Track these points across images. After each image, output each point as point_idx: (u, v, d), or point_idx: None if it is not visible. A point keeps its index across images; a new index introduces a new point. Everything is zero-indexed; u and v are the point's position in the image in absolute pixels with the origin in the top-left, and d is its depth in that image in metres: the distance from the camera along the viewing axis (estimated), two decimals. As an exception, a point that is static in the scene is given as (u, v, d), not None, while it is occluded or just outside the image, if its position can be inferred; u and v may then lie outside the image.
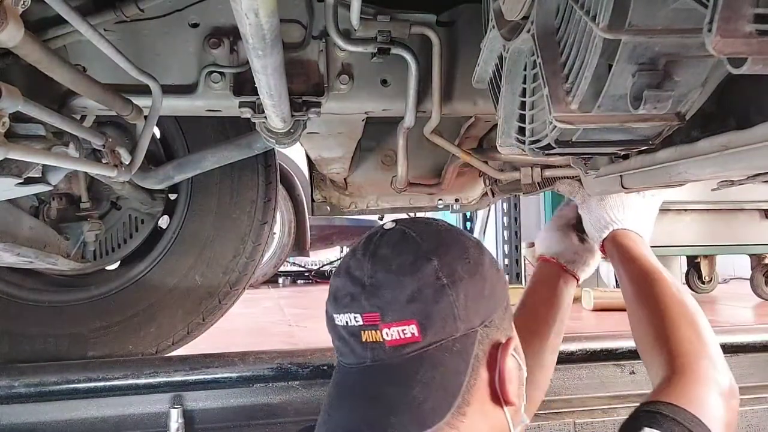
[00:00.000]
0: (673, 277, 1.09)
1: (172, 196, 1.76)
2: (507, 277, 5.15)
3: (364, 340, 0.76)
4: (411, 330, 0.73)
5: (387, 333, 0.74)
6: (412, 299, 0.74)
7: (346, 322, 0.77)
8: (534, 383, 1.14)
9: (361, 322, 0.76)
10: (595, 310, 3.77)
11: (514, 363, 0.80)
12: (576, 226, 1.34)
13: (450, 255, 0.78)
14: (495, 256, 0.89)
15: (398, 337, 0.74)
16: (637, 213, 1.19)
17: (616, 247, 1.17)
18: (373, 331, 0.75)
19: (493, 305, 0.79)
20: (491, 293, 0.79)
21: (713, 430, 0.83)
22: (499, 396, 0.78)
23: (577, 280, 1.31)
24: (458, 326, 0.75)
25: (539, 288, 1.30)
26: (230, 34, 1.07)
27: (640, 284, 1.09)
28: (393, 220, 0.84)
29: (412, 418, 0.71)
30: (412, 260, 0.76)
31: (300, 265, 6.42)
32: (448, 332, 0.74)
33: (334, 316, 0.78)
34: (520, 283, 5.08)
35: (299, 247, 5.02)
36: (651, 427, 0.81)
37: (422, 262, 0.76)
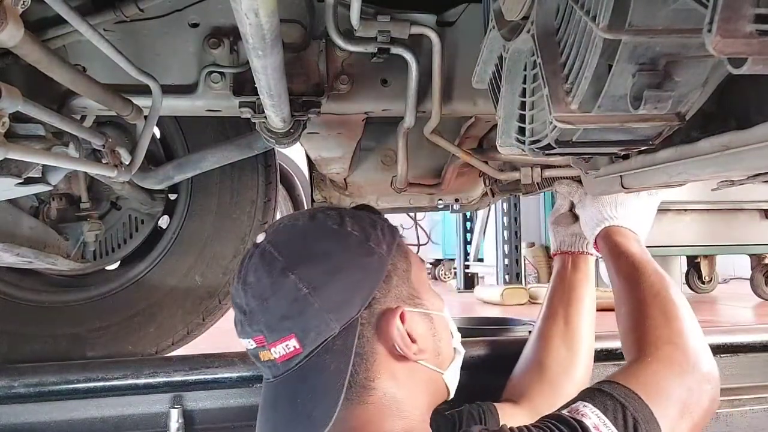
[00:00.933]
0: (658, 270, 1.09)
1: (172, 196, 1.76)
2: (506, 275, 5.15)
3: (262, 359, 0.84)
4: (293, 344, 0.80)
5: (274, 351, 0.81)
6: (284, 317, 0.80)
7: (246, 347, 0.85)
8: (570, 378, 1.16)
9: (255, 345, 0.83)
10: (596, 310, 3.77)
11: (412, 319, 0.86)
12: (570, 213, 1.39)
13: (308, 262, 0.82)
14: (400, 238, 0.92)
15: (284, 353, 0.81)
16: (632, 210, 1.20)
17: (607, 244, 1.18)
18: (266, 351, 0.82)
19: (370, 285, 0.84)
20: (364, 277, 0.84)
21: (653, 405, 0.83)
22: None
23: (590, 255, 1.35)
24: (333, 326, 0.81)
25: (555, 283, 1.35)
26: (230, 34, 1.07)
27: (623, 279, 1.11)
28: (264, 231, 0.89)
29: (303, 430, 0.78)
30: (272, 282, 0.81)
31: (300, 265, 6.42)
32: (326, 334, 0.80)
33: (239, 341, 0.86)
34: (521, 282, 5.08)
35: (299, 247, 5.02)
36: (584, 401, 0.84)
37: (281, 280, 0.81)
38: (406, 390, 0.85)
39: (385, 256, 0.87)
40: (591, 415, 0.82)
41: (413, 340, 0.86)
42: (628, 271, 1.11)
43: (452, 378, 0.94)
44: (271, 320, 0.81)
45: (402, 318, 0.85)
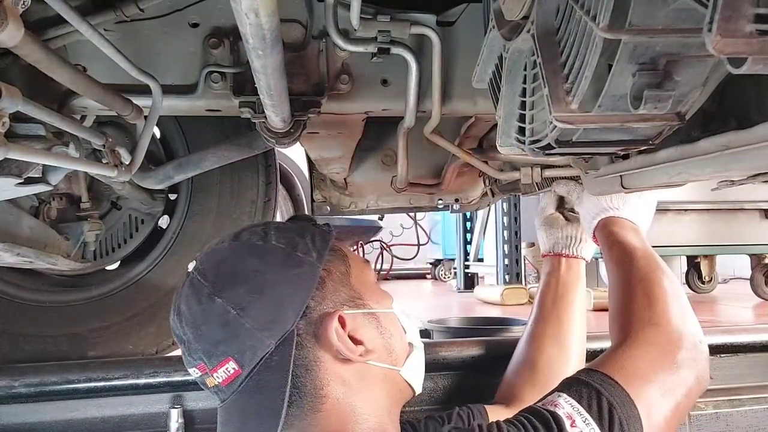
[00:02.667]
0: (649, 256, 1.08)
1: (172, 196, 1.76)
2: (498, 274, 5.16)
3: (209, 386, 0.84)
4: (232, 366, 0.81)
5: (217, 376, 0.82)
6: (218, 342, 0.81)
7: (193, 376, 0.86)
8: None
9: (199, 373, 0.84)
10: (595, 310, 3.77)
11: (355, 321, 0.86)
12: (560, 212, 1.39)
13: (234, 284, 0.82)
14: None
15: (226, 376, 0.81)
16: (631, 201, 1.20)
17: (604, 234, 1.18)
18: (210, 378, 0.83)
19: (302, 295, 0.83)
20: (294, 289, 0.83)
21: (630, 388, 0.84)
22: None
23: (584, 260, 1.33)
24: (268, 342, 0.80)
25: (547, 284, 1.33)
26: (230, 34, 1.07)
27: (615, 267, 1.10)
28: (195, 258, 0.89)
29: None
30: (202, 309, 0.82)
31: (300, 265, 6.40)
32: (262, 352, 0.80)
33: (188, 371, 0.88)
34: (520, 282, 5.08)
35: (299, 247, 5.01)
36: (560, 392, 0.85)
37: (209, 306, 0.82)
38: (361, 393, 0.84)
39: (315, 263, 0.86)
40: (564, 404, 0.82)
41: (358, 342, 0.85)
42: (619, 258, 1.10)
43: (412, 373, 0.92)
44: (207, 347, 0.82)
45: (342, 321, 0.84)
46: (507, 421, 0.82)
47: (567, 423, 0.79)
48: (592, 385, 0.84)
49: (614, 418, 0.81)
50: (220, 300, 0.81)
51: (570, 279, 1.31)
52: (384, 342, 0.89)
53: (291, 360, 0.80)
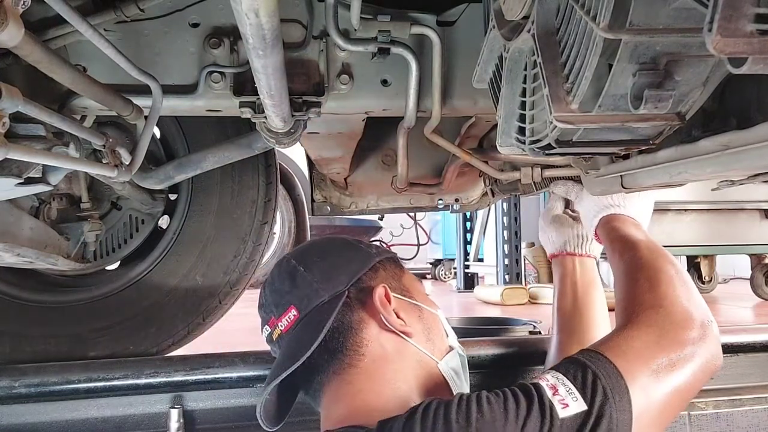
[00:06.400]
0: (652, 245, 1.09)
1: (173, 197, 1.76)
2: (498, 274, 5.17)
3: (275, 339, 1.02)
4: (293, 313, 0.99)
5: (281, 325, 1.00)
6: (285, 292, 1.01)
7: (265, 337, 1.05)
8: None
9: (269, 329, 1.03)
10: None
11: (400, 304, 1.01)
12: (567, 211, 1.39)
13: (306, 253, 1.06)
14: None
15: (288, 323, 0.99)
16: (630, 200, 1.21)
17: (606, 231, 1.19)
18: (276, 329, 1.01)
19: (356, 269, 1.02)
20: (349, 262, 1.03)
21: (621, 364, 0.85)
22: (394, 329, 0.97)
23: (594, 258, 1.33)
24: (322, 294, 0.98)
25: (564, 290, 1.32)
26: (230, 34, 1.07)
27: (618, 259, 1.11)
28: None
29: (289, 359, 0.94)
30: (279, 271, 1.04)
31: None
32: (316, 300, 0.98)
33: (262, 339, 1.06)
34: (520, 282, 5.08)
35: (299, 247, 5.02)
36: (553, 370, 0.87)
37: (286, 267, 1.04)
38: (395, 363, 0.95)
39: (373, 254, 1.05)
40: (549, 378, 0.83)
41: (400, 318, 0.97)
42: (622, 250, 1.11)
43: (450, 370, 0.99)
44: (277, 298, 1.01)
45: (387, 295, 0.98)
46: (493, 391, 0.84)
47: (549, 392, 0.80)
48: (580, 360, 0.86)
49: (597, 386, 0.81)
50: (294, 262, 1.03)
51: (586, 280, 1.30)
52: (423, 329, 1.01)
53: (337, 308, 0.95)
